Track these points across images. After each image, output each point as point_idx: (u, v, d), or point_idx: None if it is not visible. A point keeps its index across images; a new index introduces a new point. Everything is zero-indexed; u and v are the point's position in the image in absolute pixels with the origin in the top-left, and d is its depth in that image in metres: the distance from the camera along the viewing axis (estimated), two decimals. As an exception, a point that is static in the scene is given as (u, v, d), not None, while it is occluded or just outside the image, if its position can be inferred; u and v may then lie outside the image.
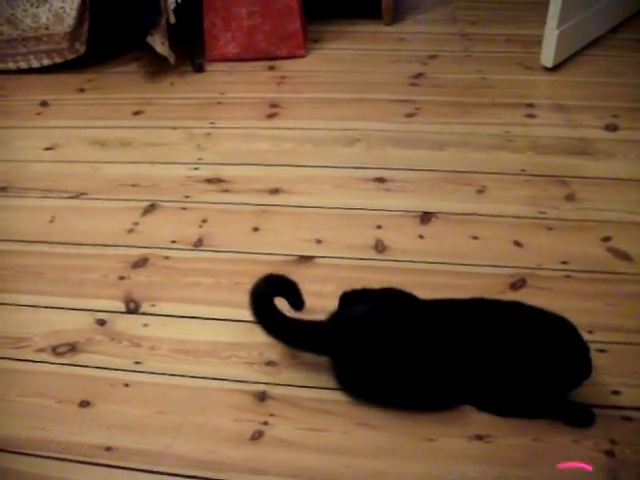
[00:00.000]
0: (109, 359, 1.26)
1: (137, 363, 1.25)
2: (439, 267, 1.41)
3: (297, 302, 1.19)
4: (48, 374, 1.25)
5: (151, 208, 1.66)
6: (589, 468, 1.01)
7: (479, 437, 1.07)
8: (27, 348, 1.30)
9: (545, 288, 1.34)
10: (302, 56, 2.35)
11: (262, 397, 1.16)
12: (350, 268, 1.43)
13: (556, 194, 1.60)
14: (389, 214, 1.58)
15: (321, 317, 1.20)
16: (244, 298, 1.17)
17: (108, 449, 1.10)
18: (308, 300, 1.20)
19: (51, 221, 1.64)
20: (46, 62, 2.32)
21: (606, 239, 1.45)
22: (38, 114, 2.14)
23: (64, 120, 2.09)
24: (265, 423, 1.12)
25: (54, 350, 1.29)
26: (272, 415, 1.13)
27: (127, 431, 1.13)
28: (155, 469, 1.07)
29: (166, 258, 1.49)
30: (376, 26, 2.53)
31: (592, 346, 1.07)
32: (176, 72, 2.30)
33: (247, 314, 1.18)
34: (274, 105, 2.07)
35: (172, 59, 2.24)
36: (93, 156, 1.89)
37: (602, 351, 1.19)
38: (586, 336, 1.08)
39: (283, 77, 2.24)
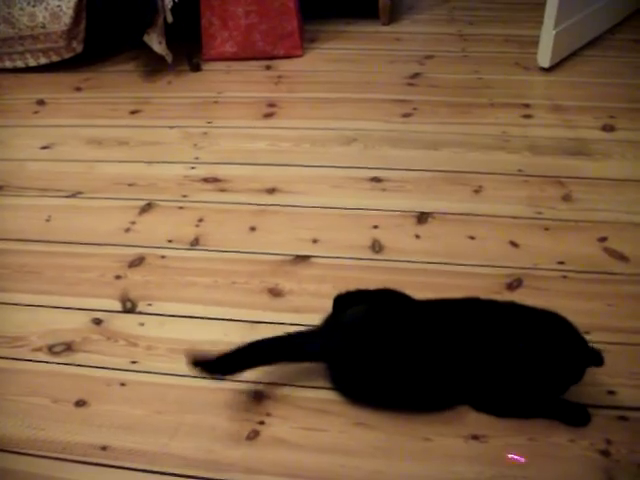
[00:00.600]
0: (105, 358, 1.26)
1: (133, 362, 1.25)
2: (436, 267, 1.42)
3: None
4: (44, 373, 1.24)
5: (148, 207, 1.65)
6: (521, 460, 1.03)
7: (475, 437, 1.07)
8: (23, 347, 1.30)
9: (541, 288, 1.34)
10: (299, 56, 2.35)
11: (258, 396, 1.16)
12: (347, 268, 1.43)
13: (553, 194, 1.60)
14: (386, 214, 1.58)
15: (318, 316, 1.20)
16: (241, 297, 1.18)
17: (104, 448, 1.10)
18: (305, 300, 1.20)
19: (48, 220, 1.64)
20: (43, 61, 2.32)
21: (602, 239, 1.46)
22: (35, 113, 2.13)
23: (61, 119, 2.09)
24: (262, 423, 1.12)
25: (50, 349, 1.29)
26: (269, 415, 1.13)
27: (123, 431, 1.12)
28: (152, 469, 1.06)
29: (163, 257, 1.49)
30: (373, 26, 2.53)
31: (588, 346, 1.07)
32: (173, 71, 2.30)
33: (243, 313, 1.18)
34: (271, 105, 2.07)
35: (169, 58, 2.23)
36: (90, 155, 1.89)
37: (598, 351, 1.19)
38: (582, 336, 1.09)
39: (280, 77, 2.24)
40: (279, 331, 1.18)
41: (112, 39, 2.41)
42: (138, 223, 1.61)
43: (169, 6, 2.13)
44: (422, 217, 1.56)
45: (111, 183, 1.75)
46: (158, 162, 1.83)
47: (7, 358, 1.28)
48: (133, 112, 2.09)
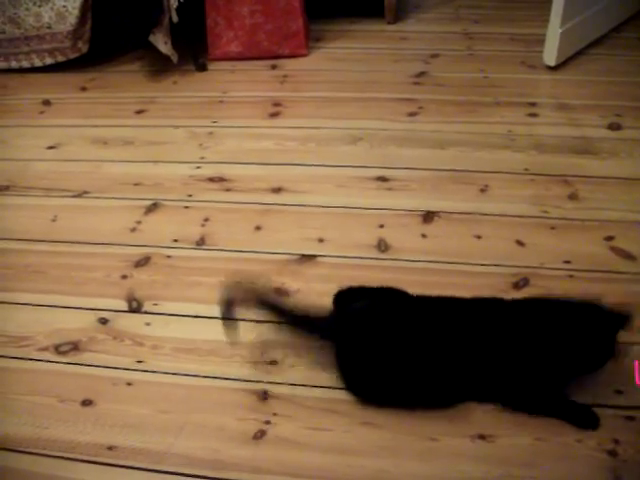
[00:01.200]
0: (111, 358, 1.26)
1: (139, 362, 1.25)
2: (442, 266, 1.41)
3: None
4: (50, 373, 1.25)
5: (153, 207, 1.65)
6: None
7: (482, 437, 1.07)
8: (29, 347, 1.30)
9: (548, 287, 1.33)
10: (304, 55, 2.35)
11: (265, 396, 1.16)
12: (352, 267, 1.43)
13: (559, 193, 1.60)
14: (392, 213, 1.58)
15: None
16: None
17: (111, 448, 1.10)
18: (310, 299, 1.19)
19: (53, 220, 1.64)
20: (49, 61, 2.33)
21: (609, 238, 1.45)
22: (40, 113, 2.14)
23: (66, 119, 2.09)
24: (268, 422, 1.12)
25: (57, 349, 1.29)
26: (275, 414, 1.13)
27: (130, 430, 1.13)
28: (158, 468, 1.07)
29: (168, 257, 1.49)
30: (378, 25, 2.53)
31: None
32: (178, 71, 2.30)
33: (249, 313, 1.18)
34: (277, 104, 2.07)
35: (174, 58, 2.24)
36: (95, 155, 1.89)
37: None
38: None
39: (285, 76, 2.24)
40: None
41: (118, 39, 2.41)
42: (144, 223, 1.61)
43: (174, 6, 2.14)
44: (428, 216, 1.55)
45: (117, 183, 1.76)
46: (164, 162, 1.83)
47: (13, 358, 1.28)
48: (139, 112, 2.09)
